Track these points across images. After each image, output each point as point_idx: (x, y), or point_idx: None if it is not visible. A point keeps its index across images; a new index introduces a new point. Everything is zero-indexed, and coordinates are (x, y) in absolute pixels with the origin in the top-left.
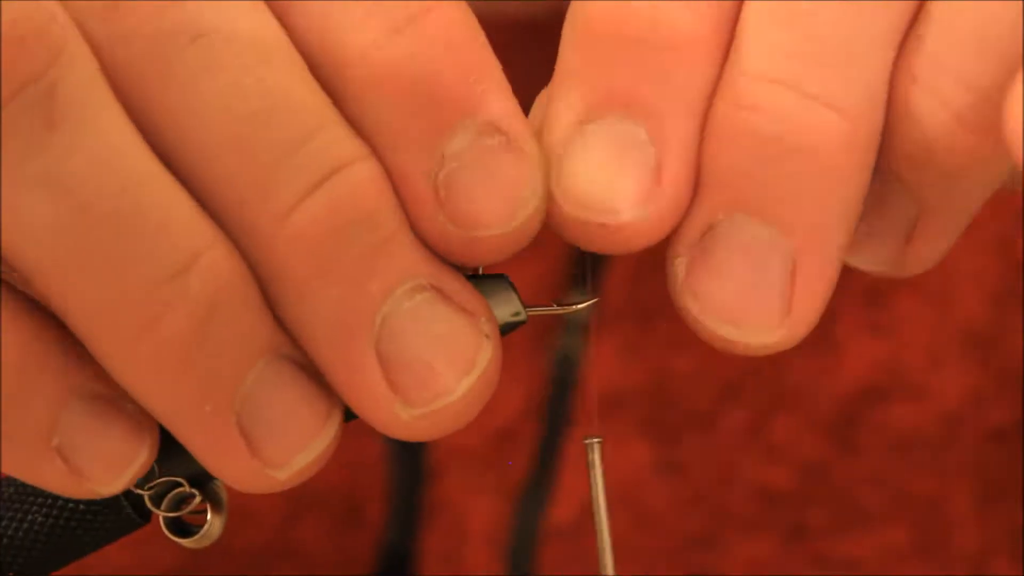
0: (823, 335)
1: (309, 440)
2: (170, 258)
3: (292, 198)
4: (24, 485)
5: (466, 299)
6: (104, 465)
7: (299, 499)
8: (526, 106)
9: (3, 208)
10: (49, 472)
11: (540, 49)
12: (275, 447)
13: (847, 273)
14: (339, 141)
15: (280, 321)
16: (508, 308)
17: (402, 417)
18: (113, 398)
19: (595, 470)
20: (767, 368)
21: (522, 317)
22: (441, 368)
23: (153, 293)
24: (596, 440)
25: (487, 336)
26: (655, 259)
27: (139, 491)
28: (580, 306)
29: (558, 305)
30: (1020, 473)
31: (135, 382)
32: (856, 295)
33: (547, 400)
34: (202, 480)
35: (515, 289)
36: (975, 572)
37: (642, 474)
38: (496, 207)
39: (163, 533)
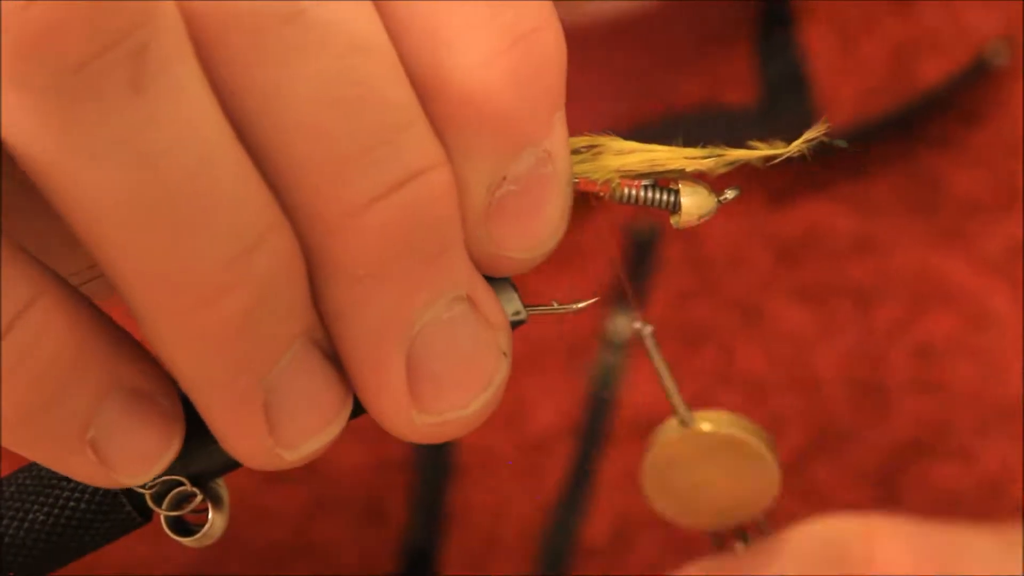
0: (869, 383)
1: (325, 425)
2: (238, 237)
3: (369, 194)
4: (25, 485)
5: (494, 314)
6: (135, 459)
7: (320, 497)
8: None
9: (78, 166)
10: (78, 463)
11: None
12: (293, 428)
13: (902, 327)
14: (424, 143)
15: (318, 307)
16: (509, 308)
17: (414, 422)
18: (150, 393)
19: (653, 352)
20: (814, 410)
21: (523, 316)
22: (462, 383)
23: (217, 270)
24: (649, 327)
25: (504, 354)
26: (701, 280)
27: (140, 490)
28: (580, 305)
29: (558, 305)
30: None
31: (176, 353)
32: (908, 351)
33: (584, 418)
34: (203, 479)
35: (516, 289)
36: None
37: None
38: (531, 234)
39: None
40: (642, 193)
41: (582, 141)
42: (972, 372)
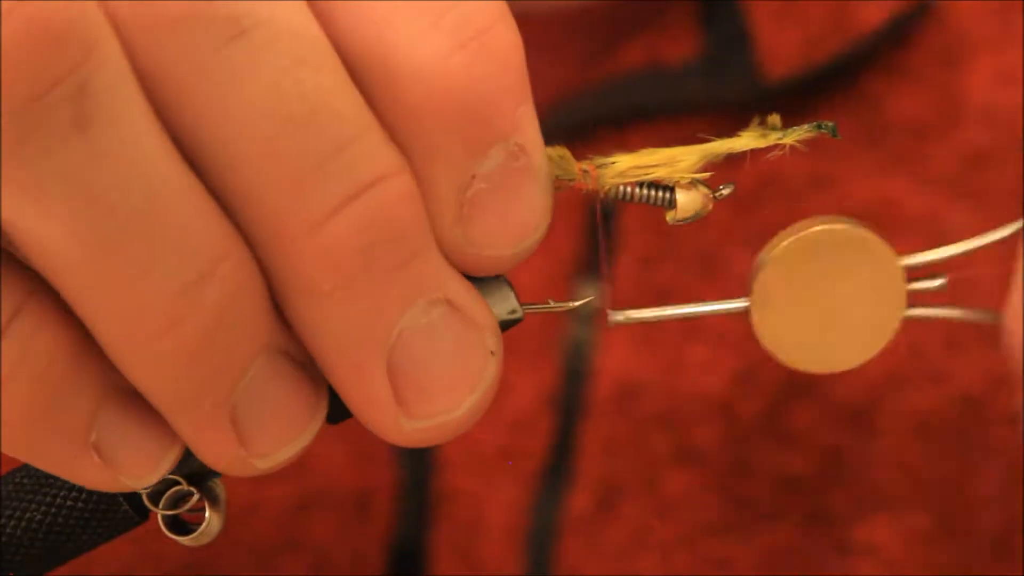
0: None
1: (297, 434)
2: (189, 267)
3: (325, 208)
4: (23, 484)
5: (477, 312)
6: (139, 460)
7: (307, 493)
8: None
9: (24, 207)
10: (85, 468)
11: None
12: (264, 439)
13: None
14: (377, 151)
15: (288, 321)
16: (505, 306)
17: (404, 429)
18: (296, 358)
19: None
20: None
21: (519, 315)
22: (449, 386)
23: (170, 301)
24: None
25: (492, 353)
26: (663, 245)
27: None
28: (576, 304)
29: (554, 303)
30: None
31: (139, 377)
32: None
33: (560, 390)
34: (200, 478)
35: (512, 287)
36: (999, 553)
37: (660, 464)
38: (511, 231)
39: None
40: (638, 191)
41: (583, 164)
42: (938, 294)
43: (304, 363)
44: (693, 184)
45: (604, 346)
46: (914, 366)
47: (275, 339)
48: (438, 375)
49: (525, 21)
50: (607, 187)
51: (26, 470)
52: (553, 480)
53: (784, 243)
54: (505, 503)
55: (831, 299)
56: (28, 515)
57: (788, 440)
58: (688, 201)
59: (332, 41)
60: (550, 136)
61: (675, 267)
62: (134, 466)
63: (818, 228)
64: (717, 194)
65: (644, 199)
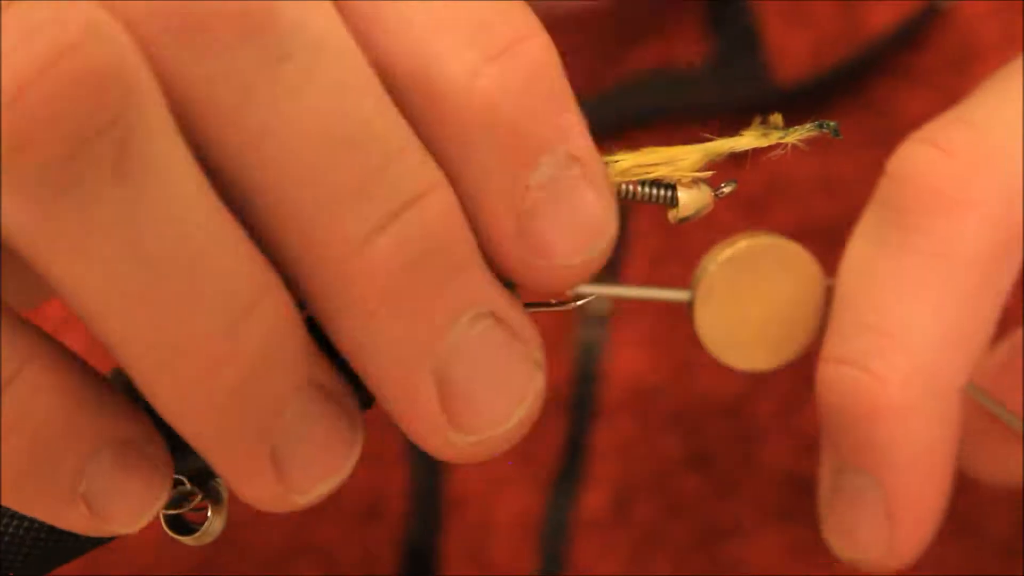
0: None
1: (337, 469)
2: (227, 312)
3: (368, 228)
4: None
5: (522, 327)
6: (128, 510)
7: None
8: None
9: (62, 257)
10: (73, 517)
11: None
12: (303, 475)
13: None
14: (418, 168)
15: (332, 340)
16: None
17: (455, 443)
18: (138, 444)
19: None
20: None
21: None
22: (497, 398)
23: (213, 344)
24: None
25: (538, 364)
26: (672, 246)
27: None
28: (576, 303)
29: (557, 303)
30: None
31: (181, 419)
32: None
33: (571, 393)
34: (203, 478)
35: (514, 287)
36: (1006, 553)
37: (673, 465)
38: (575, 238)
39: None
40: (640, 189)
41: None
42: None
43: (338, 395)
44: (695, 182)
45: (614, 348)
46: None
47: (312, 372)
48: (486, 388)
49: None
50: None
51: None
52: (565, 482)
53: (738, 245)
54: (517, 505)
55: (763, 304)
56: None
57: (801, 442)
58: (690, 199)
59: (372, 60)
60: None
61: (685, 269)
62: (122, 515)
63: (766, 240)
64: (719, 192)
65: (646, 197)
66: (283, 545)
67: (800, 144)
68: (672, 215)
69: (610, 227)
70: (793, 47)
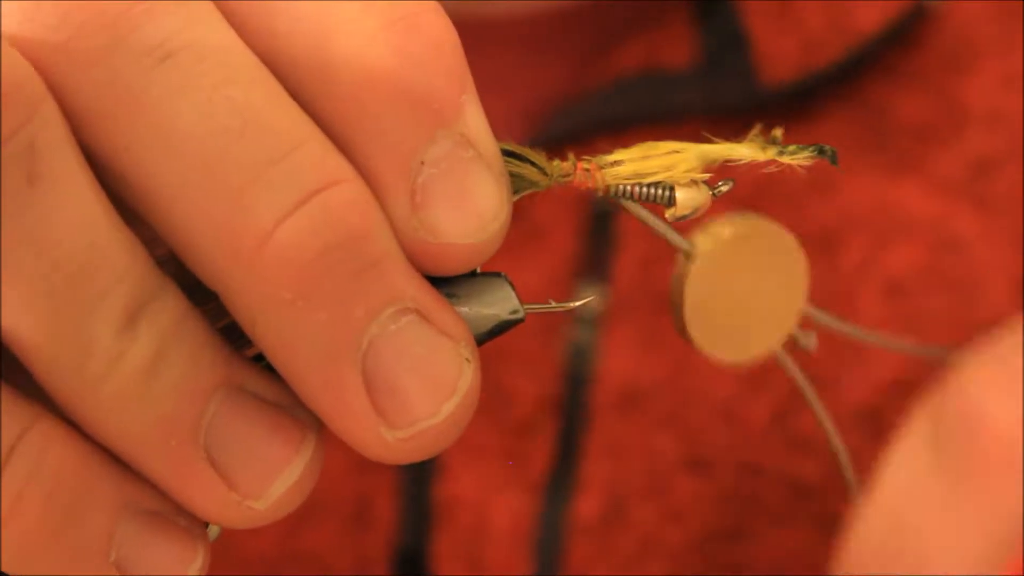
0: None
1: (282, 468)
2: (120, 311)
3: (272, 217)
4: None
5: (448, 323)
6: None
7: (307, 503)
8: None
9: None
10: None
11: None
12: (247, 477)
13: (867, 266)
14: (320, 159)
15: (255, 342)
16: (506, 306)
17: (386, 439)
18: (166, 513)
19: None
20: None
21: (520, 315)
22: (424, 392)
23: (108, 344)
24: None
25: (468, 360)
26: (664, 246)
27: None
28: (576, 303)
29: (555, 303)
30: None
31: (100, 429)
32: (877, 289)
33: (562, 395)
34: None
35: (513, 287)
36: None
37: (669, 468)
38: (467, 220)
39: None
40: (637, 189)
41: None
42: (944, 301)
43: (271, 394)
44: (692, 181)
45: (607, 350)
46: (922, 372)
47: (233, 377)
48: (413, 382)
49: (516, 21)
50: (606, 185)
51: None
52: (559, 486)
53: (738, 223)
54: (510, 508)
55: (749, 292)
56: None
57: (798, 445)
58: (687, 198)
59: (263, 54)
60: (548, 141)
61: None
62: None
63: (765, 224)
64: (716, 191)
65: (643, 197)
66: (274, 552)
67: (796, 166)
68: (670, 214)
69: (502, 213)
70: (780, 48)
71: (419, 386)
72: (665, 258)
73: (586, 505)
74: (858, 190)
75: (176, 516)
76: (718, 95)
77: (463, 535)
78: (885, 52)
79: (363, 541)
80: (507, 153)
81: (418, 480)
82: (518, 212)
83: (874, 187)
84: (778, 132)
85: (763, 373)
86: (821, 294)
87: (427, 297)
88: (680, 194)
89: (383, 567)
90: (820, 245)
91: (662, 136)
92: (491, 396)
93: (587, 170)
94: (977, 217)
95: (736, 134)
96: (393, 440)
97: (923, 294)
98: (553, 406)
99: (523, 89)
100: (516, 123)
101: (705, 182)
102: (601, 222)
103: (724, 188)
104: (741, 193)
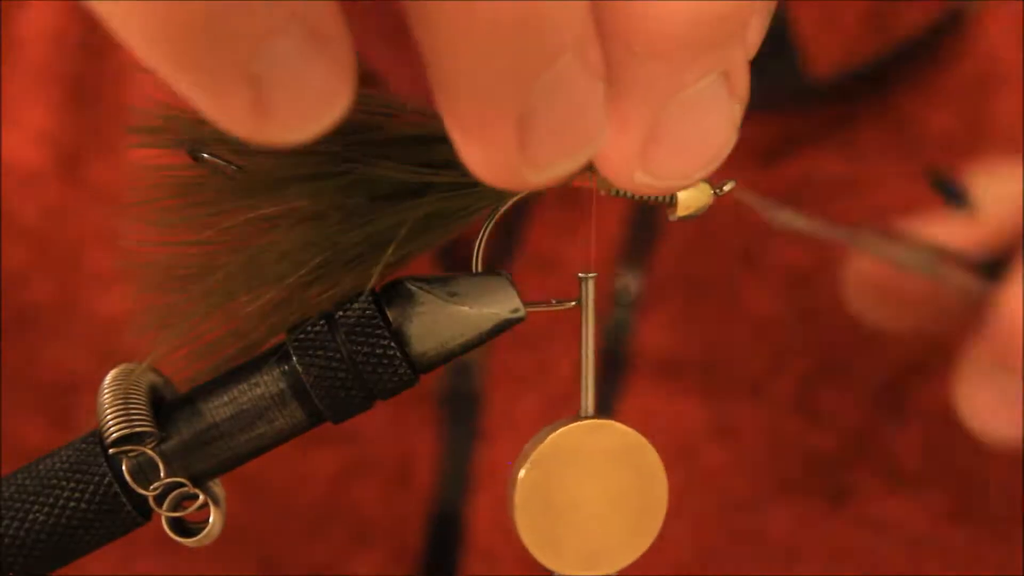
0: None
1: (578, 148)
2: None
3: None
4: (24, 485)
5: (741, 86)
6: (298, 104)
7: (352, 460)
8: None
9: None
10: (234, 104)
11: None
12: (545, 147)
13: None
14: None
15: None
16: (508, 305)
17: (633, 178)
18: (329, 37)
19: (586, 306)
20: (817, 340)
21: (521, 314)
22: (695, 156)
23: None
24: (591, 276)
25: (736, 128)
26: (702, 235)
27: (143, 491)
28: (572, 303)
29: (556, 302)
30: None
31: (446, 55)
32: None
33: (601, 367)
34: (203, 479)
35: (515, 287)
36: (1002, 535)
37: (697, 437)
38: (705, 150)
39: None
40: None
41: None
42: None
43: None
44: None
45: (642, 328)
46: (937, 358)
47: (584, 45)
48: (693, 143)
49: None
50: (608, 185)
51: (28, 471)
52: None
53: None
54: None
55: (592, 500)
56: (31, 516)
57: (817, 420)
58: (689, 198)
59: None
60: None
61: (714, 257)
62: (289, 110)
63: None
64: (718, 191)
65: (645, 197)
66: (317, 507)
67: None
68: (671, 214)
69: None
70: (824, 46)
71: (693, 150)
72: (704, 247)
73: None
74: (886, 192)
75: (339, 45)
76: (762, 92)
77: (499, 498)
78: (919, 57)
79: (403, 501)
80: None
81: (460, 443)
82: (568, 198)
83: (901, 190)
84: (727, 186)
85: (786, 349)
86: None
87: (740, 63)
88: (682, 193)
89: (419, 528)
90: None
91: None
92: (533, 369)
93: (589, 170)
94: None
95: (776, 135)
96: (639, 182)
97: None
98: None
99: None
100: None
101: (706, 181)
102: (645, 212)
103: (727, 188)
104: (778, 188)
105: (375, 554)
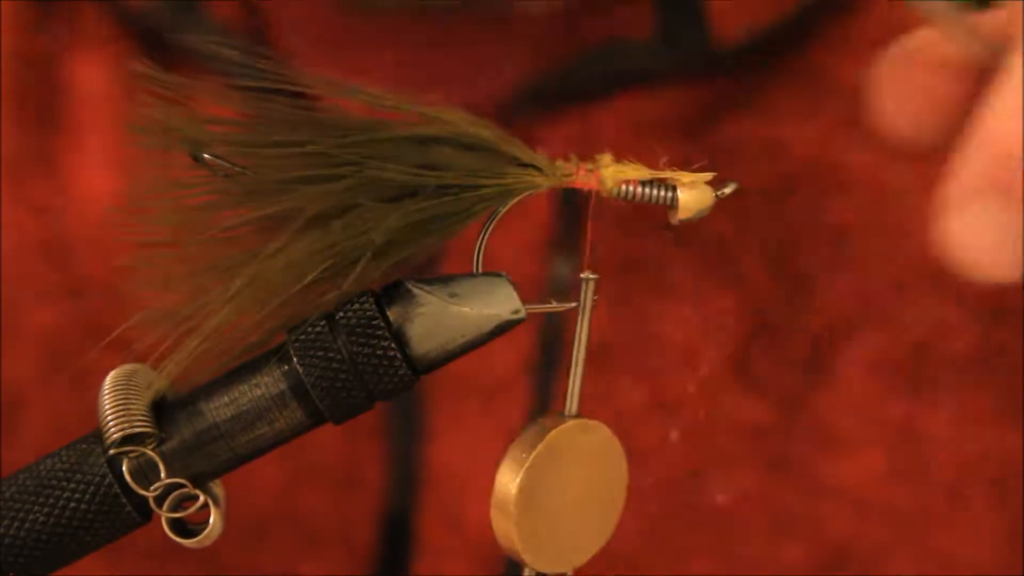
0: (792, 272)
1: None
2: None
3: None
4: (24, 485)
5: None
6: None
7: (299, 467)
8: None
9: None
10: None
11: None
12: None
13: (809, 215)
14: None
15: None
16: (508, 305)
17: None
18: None
19: (585, 307)
20: (742, 307)
21: (522, 315)
22: None
23: None
24: (592, 276)
25: None
26: (631, 212)
27: (144, 492)
28: (573, 304)
29: (556, 303)
30: (991, 400)
31: None
32: (825, 234)
33: (536, 355)
34: (202, 480)
35: (515, 288)
36: (954, 499)
37: (633, 414)
38: None
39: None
40: (639, 189)
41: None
42: (883, 245)
43: None
44: (695, 183)
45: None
46: (864, 311)
47: None
48: None
49: (484, 4)
50: (609, 186)
51: (28, 471)
52: None
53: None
54: (491, 469)
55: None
56: (31, 516)
57: (751, 388)
58: (691, 200)
59: None
60: (515, 114)
61: (640, 237)
62: None
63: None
64: (720, 193)
65: (646, 198)
66: (266, 515)
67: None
68: (672, 216)
69: None
70: (731, 11)
71: None
72: (634, 224)
73: None
74: (803, 148)
75: None
76: (678, 61)
77: (447, 498)
78: (825, 17)
79: (351, 504)
80: (510, 154)
81: (406, 445)
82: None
83: (817, 145)
84: (728, 187)
85: (718, 315)
86: (772, 243)
87: None
88: (683, 195)
89: (368, 531)
90: (769, 198)
91: (626, 108)
92: (470, 363)
93: (590, 170)
94: (911, 168)
95: (697, 100)
96: None
97: (863, 239)
98: (528, 366)
99: (487, 73)
100: (485, 107)
101: (708, 183)
102: (570, 196)
103: (728, 190)
104: (695, 157)
105: (325, 558)
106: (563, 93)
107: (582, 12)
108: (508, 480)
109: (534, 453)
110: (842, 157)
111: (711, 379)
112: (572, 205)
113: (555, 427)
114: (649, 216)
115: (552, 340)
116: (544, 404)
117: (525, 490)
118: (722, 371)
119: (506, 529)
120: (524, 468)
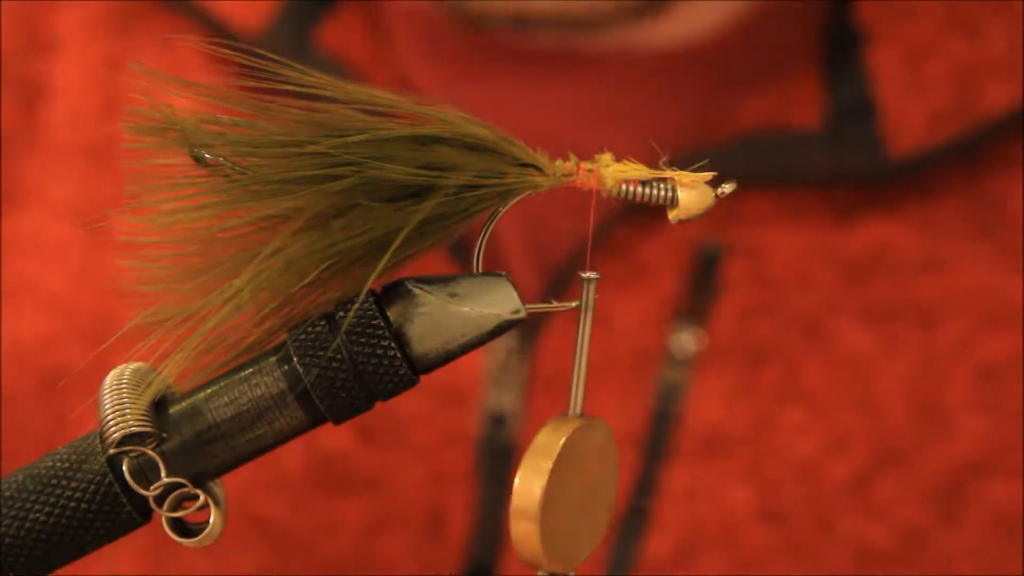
0: (931, 403)
1: None
2: None
3: None
4: (24, 485)
5: None
6: None
7: (383, 512)
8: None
9: None
10: None
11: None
12: None
13: (959, 346)
14: None
15: None
16: (509, 305)
17: None
18: None
19: (586, 307)
20: (877, 429)
21: (522, 314)
22: None
23: None
24: (593, 276)
25: None
26: (765, 298)
27: (144, 492)
28: (573, 304)
29: (556, 303)
30: None
31: None
32: (968, 369)
33: (647, 431)
34: (203, 479)
35: (515, 287)
36: None
37: (742, 520)
38: None
39: (240, 538)
40: (639, 189)
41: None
42: None
43: None
44: (695, 183)
45: (695, 393)
46: (998, 458)
47: None
48: None
49: (638, 57)
50: (610, 186)
51: (28, 471)
52: (633, 522)
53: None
54: None
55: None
56: (31, 516)
57: (872, 511)
58: (691, 200)
59: None
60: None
61: (776, 325)
62: None
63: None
64: (719, 193)
65: (646, 198)
66: (346, 558)
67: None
68: (673, 215)
69: None
70: (909, 117)
71: None
72: (767, 311)
73: (657, 545)
74: (965, 274)
75: None
76: (843, 162)
77: None
78: (1007, 135)
79: (434, 552)
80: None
81: (496, 495)
82: (622, 247)
83: (981, 273)
84: (727, 187)
85: (844, 436)
86: (916, 370)
87: None
88: (683, 195)
89: None
90: (921, 322)
91: (781, 200)
92: None
93: (590, 170)
94: None
95: (852, 191)
96: None
97: (1013, 381)
98: (636, 442)
99: (644, 127)
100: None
101: (708, 183)
102: (707, 266)
103: (728, 189)
104: (849, 257)
105: None
106: (720, 172)
107: (744, 85)
108: (530, 487)
109: (556, 457)
110: (1007, 290)
111: (831, 495)
112: (703, 276)
113: (567, 429)
114: (782, 308)
115: (664, 422)
116: (648, 486)
117: (548, 493)
118: (841, 491)
119: (529, 534)
120: (548, 472)
